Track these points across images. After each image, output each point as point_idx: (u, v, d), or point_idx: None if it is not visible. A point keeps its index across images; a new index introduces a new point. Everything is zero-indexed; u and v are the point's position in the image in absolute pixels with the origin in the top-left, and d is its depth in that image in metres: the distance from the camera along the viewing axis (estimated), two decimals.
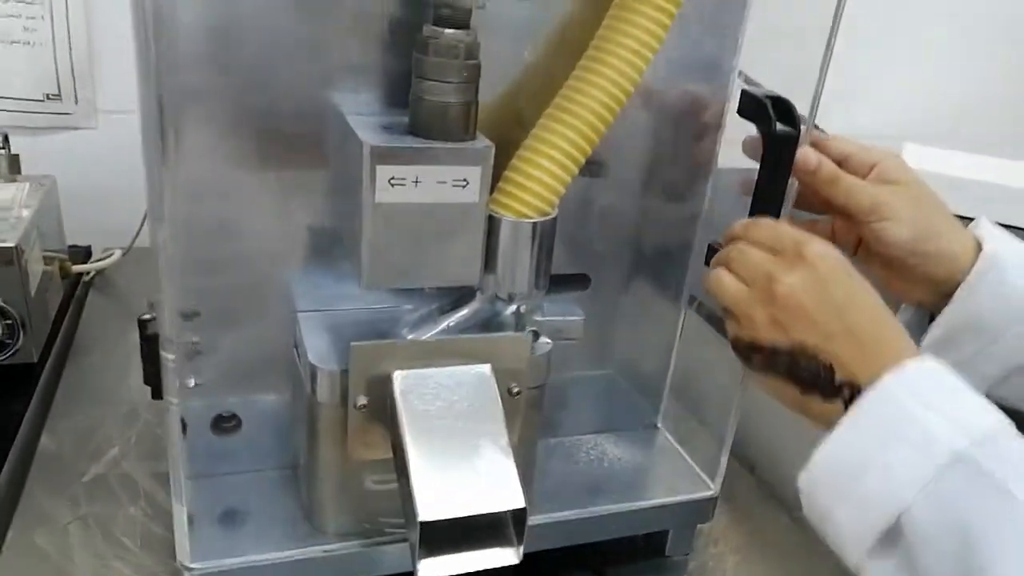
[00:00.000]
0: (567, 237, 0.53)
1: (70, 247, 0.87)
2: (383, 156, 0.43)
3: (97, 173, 0.90)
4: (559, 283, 0.55)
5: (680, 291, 0.62)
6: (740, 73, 0.56)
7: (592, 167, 0.50)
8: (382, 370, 0.45)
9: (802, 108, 0.51)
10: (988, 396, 0.42)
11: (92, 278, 0.88)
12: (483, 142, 0.46)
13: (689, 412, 0.66)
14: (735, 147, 0.56)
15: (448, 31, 0.44)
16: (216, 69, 0.46)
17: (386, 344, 0.46)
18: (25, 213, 0.72)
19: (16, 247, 0.66)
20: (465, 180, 0.45)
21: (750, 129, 0.52)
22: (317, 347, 0.48)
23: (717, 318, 0.70)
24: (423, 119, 0.45)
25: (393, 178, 0.44)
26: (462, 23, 0.44)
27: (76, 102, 0.95)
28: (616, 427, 0.63)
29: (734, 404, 0.56)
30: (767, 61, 0.55)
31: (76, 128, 0.95)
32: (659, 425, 0.65)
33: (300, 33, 0.47)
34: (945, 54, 1.22)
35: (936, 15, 1.21)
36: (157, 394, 0.46)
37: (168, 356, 0.43)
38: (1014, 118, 1.24)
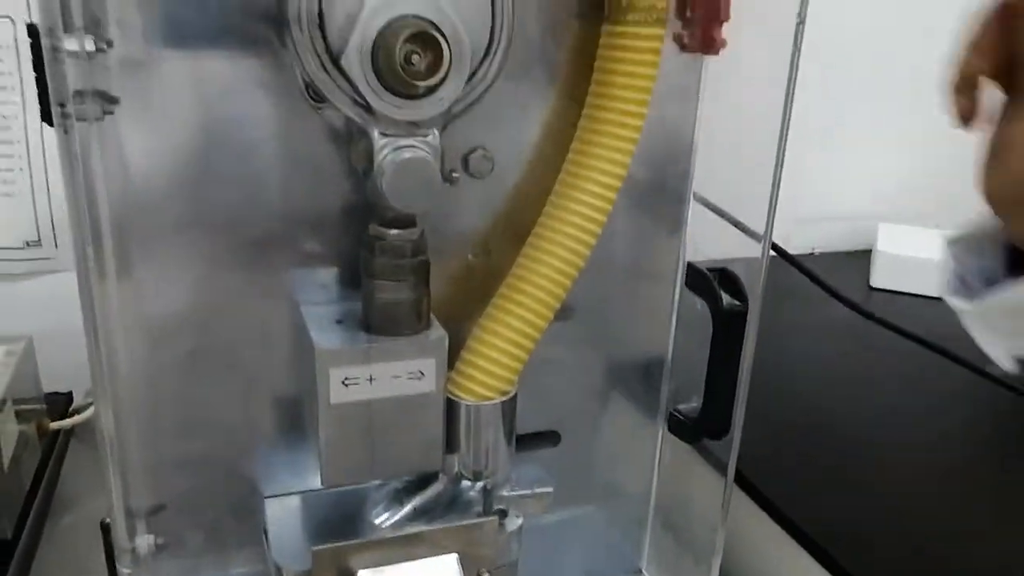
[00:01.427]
0: (531, 387, 0.52)
1: (50, 395, 0.87)
2: (335, 359, 0.44)
3: (78, 315, 0.90)
4: (528, 442, 0.55)
5: (656, 412, 0.61)
6: (695, 195, 0.56)
7: (558, 312, 0.49)
8: (346, 570, 0.45)
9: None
10: None
11: (73, 428, 0.88)
12: (436, 332, 0.46)
13: (674, 548, 0.65)
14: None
15: (393, 231, 0.44)
16: (168, 239, 0.46)
17: (347, 546, 0.45)
18: None
19: None
20: (420, 372, 0.46)
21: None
22: (282, 541, 0.48)
23: (691, 429, 0.67)
24: (374, 317, 0.45)
25: (347, 378, 0.44)
26: (407, 223, 0.45)
27: (56, 246, 0.96)
28: (598, 575, 0.63)
29: (718, 539, 0.55)
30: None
31: (56, 271, 0.96)
32: (643, 570, 0.64)
33: (251, 218, 0.47)
34: (918, 131, 1.23)
35: (912, 92, 1.22)
36: None
37: (124, 571, 0.43)
38: None
